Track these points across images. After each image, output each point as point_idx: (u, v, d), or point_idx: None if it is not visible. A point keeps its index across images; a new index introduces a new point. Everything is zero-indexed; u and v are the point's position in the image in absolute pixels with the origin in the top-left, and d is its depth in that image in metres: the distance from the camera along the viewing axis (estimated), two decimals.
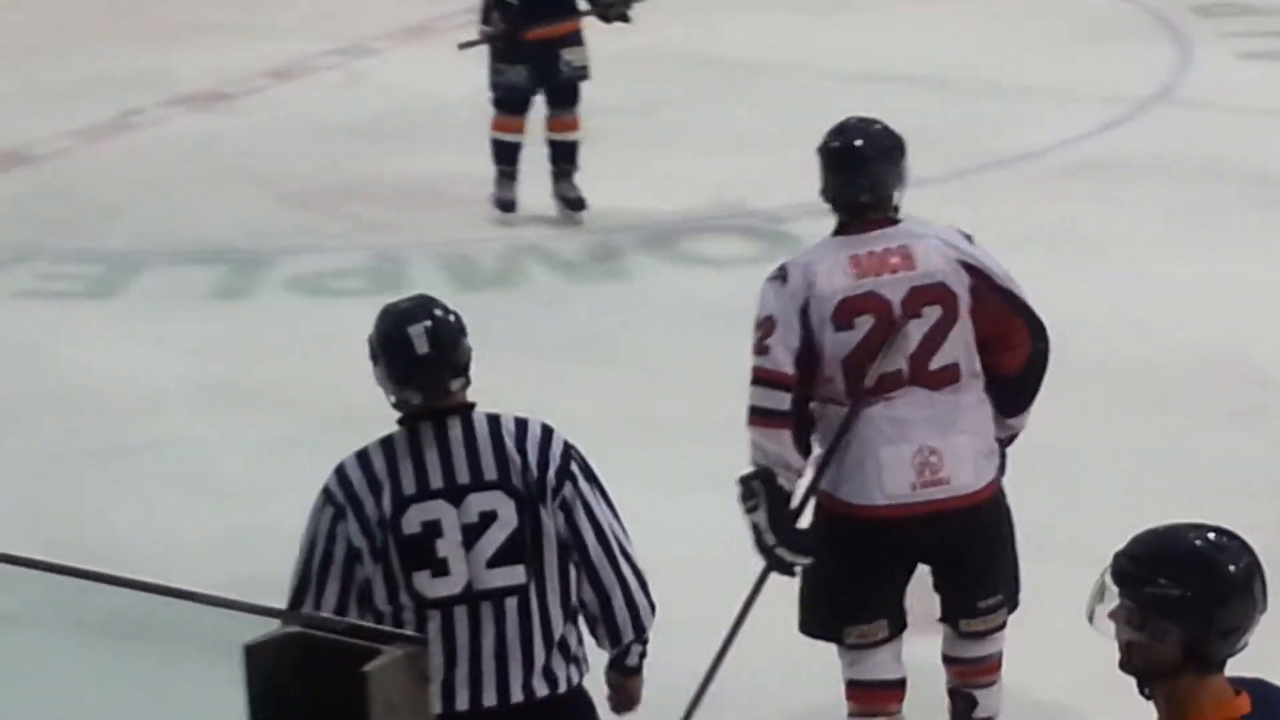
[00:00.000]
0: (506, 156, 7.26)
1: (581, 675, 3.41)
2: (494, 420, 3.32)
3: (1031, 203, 6.98)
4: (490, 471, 3.31)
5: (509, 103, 7.19)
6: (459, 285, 6.34)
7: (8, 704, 4.16)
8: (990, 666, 3.98)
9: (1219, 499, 4.30)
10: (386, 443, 3.30)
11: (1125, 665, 2.42)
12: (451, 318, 3.36)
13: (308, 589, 3.31)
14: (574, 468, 3.34)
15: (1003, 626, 3.93)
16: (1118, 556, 2.39)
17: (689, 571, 4.37)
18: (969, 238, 4.06)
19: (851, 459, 4.08)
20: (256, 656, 1.46)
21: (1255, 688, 2.39)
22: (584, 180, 6.99)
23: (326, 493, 3.29)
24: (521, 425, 3.34)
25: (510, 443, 3.32)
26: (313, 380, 5.58)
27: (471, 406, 3.34)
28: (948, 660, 4.00)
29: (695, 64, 8.58)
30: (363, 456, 3.29)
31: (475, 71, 7.15)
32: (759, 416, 4.14)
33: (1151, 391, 5.49)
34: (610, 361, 5.85)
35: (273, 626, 1.50)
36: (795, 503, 4.08)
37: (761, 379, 4.11)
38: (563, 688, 3.33)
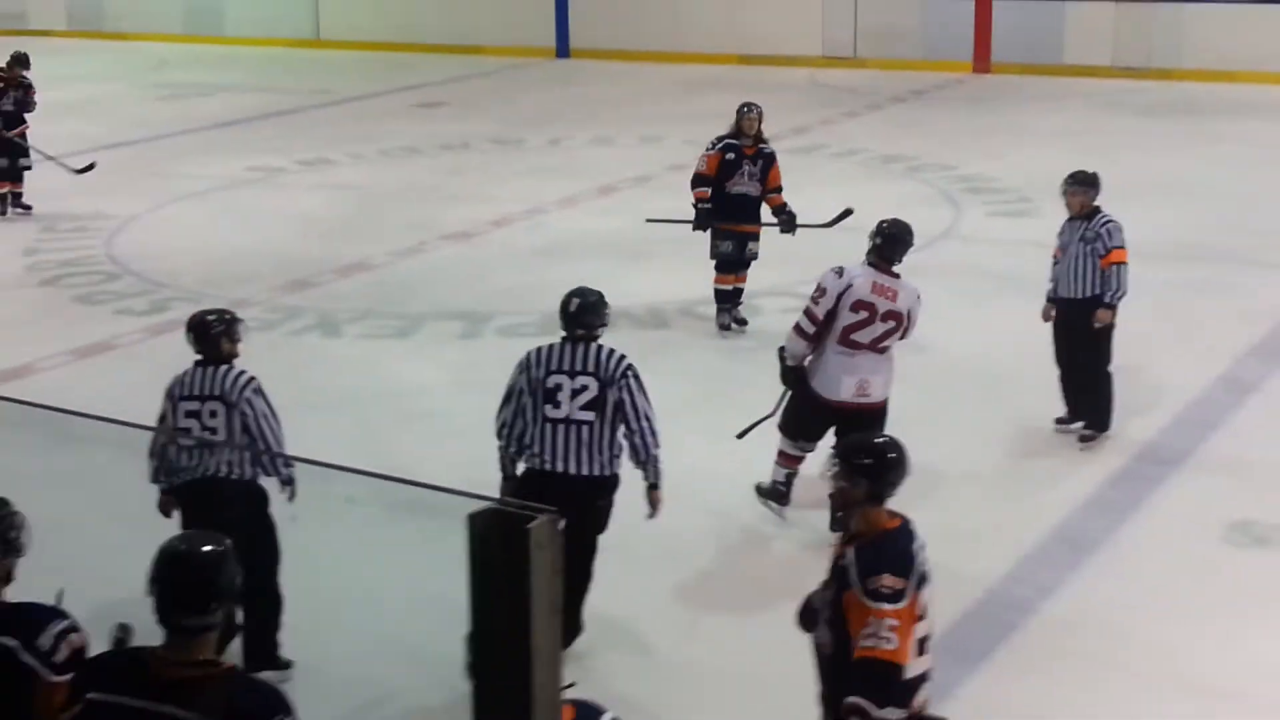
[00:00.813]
0: (724, 299, 10.43)
1: (615, 470, 6.01)
2: (600, 346, 6.08)
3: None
4: (589, 366, 6.02)
5: (725, 264, 10.33)
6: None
7: (345, 553, 6.54)
8: None
9: None
10: (551, 345, 6.08)
11: (835, 500, 4.37)
12: (593, 298, 6.17)
13: (504, 403, 6.06)
14: (630, 375, 6.02)
15: None
16: (838, 447, 4.61)
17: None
18: (920, 298, 7.10)
19: (829, 373, 7.02)
20: (474, 522, 2.68)
21: (902, 518, 4.31)
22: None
23: (522, 360, 6.08)
24: (610, 351, 6.08)
25: (602, 356, 6.05)
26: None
27: (596, 336, 6.10)
28: None
29: None
30: (539, 349, 6.08)
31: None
32: (798, 330, 7.10)
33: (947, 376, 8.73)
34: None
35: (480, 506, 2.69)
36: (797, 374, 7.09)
37: (807, 314, 7.07)
38: (605, 472, 6.02)
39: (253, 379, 6.05)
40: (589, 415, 6.00)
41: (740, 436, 7.62)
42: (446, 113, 20.54)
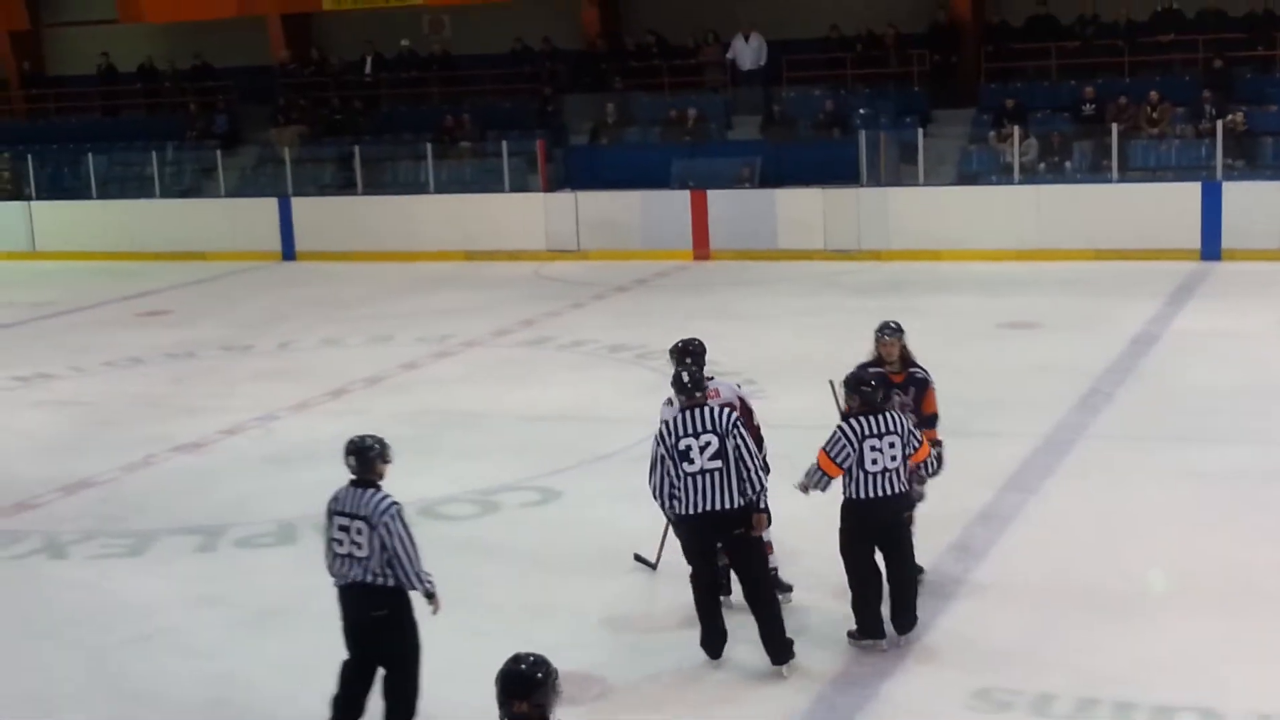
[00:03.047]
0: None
1: (748, 502, 7.74)
2: (712, 407, 7.79)
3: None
4: (710, 425, 7.75)
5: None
6: None
7: None
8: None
9: None
10: (676, 417, 7.81)
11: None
12: (698, 374, 8.00)
13: (651, 467, 7.83)
14: (738, 426, 7.77)
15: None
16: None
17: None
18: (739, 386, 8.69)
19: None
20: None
21: None
22: None
23: (660, 428, 7.87)
24: (720, 409, 7.81)
25: (716, 414, 7.77)
26: None
27: (705, 400, 7.85)
28: None
29: None
30: (670, 419, 7.84)
31: None
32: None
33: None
34: None
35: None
36: None
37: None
38: (737, 505, 7.76)
39: (394, 504, 7.01)
40: (717, 464, 7.77)
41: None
42: (170, 320, 20.27)
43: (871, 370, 8.64)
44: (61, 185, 28.47)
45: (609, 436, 12.83)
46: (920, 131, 23.31)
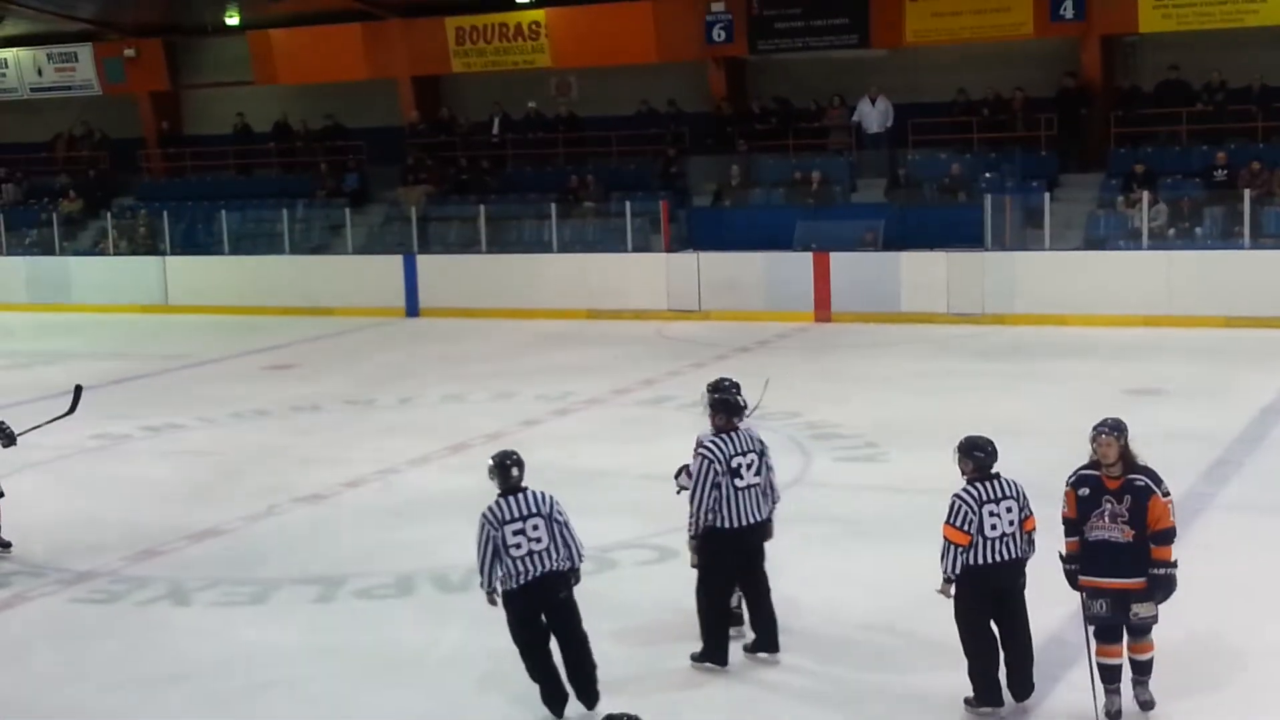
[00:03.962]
0: (1109, 676, 7.93)
1: (772, 511, 8.86)
2: (749, 430, 8.72)
3: None
4: (751, 445, 8.70)
5: (1103, 632, 7.86)
6: None
7: None
8: None
9: None
10: (722, 437, 8.65)
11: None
12: (733, 399, 8.75)
13: (704, 491, 8.57)
14: (767, 450, 8.81)
15: None
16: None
17: None
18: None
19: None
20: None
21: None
22: None
23: (704, 450, 8.63)
24: (755, 434, 8.80)
25: (754, 436, 8.76)
26: None
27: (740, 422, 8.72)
28: None
29: None
30: (715, 440, 8.62)
31: None
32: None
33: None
34: None
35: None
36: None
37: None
38: (768, 515, 8.81)
39: (553, 496, 8.31)
40: (758, 479, 8.73)
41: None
42: (296, 374, 20.60)
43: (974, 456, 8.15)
44: (195, 241, 29.15)
45: None
46: (1047, 195, 23.10)
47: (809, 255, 23.59)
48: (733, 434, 8.69)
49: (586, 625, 8.37)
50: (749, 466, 8.66)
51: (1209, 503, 12.23)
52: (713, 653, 8.80)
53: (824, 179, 25.63)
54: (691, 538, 8.78)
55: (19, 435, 11.70)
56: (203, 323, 26.20)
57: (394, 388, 18.98)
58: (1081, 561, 7.82)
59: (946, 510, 8.05)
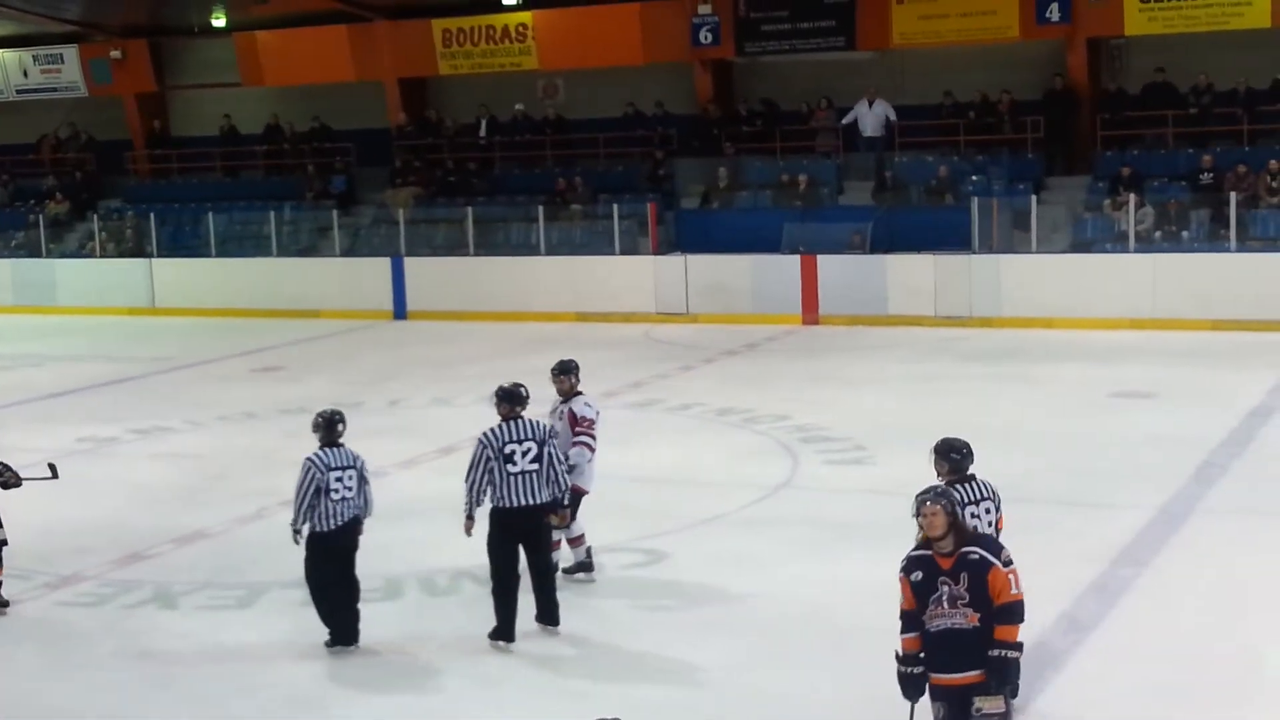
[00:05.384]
0: None
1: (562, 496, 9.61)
2: (534, 420, 9.54)
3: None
4: (531, 434, 9.38)
5: None
6: None
7: None
8: None
9: None
10: (500, 427, 9.42)
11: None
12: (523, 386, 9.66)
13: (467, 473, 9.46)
14: (550, 440, 9.55)
15: None
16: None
17: None
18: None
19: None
20: None
21: None
22: None
23: (481, 437, 9.41)
24: (541, 423, 9.59)
25: (539, 425, 9.60)
26: None
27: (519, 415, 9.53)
28: None
29: None
30: (493, 428, 9.42)
31: None
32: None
33: None
34: None
35: None
36: None
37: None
38: (546, 499, 9.52)
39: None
40: (537, 466, 9.37)
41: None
42: (284, 376, 20.58)
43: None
44: (182, 243, 29.11)
45: (714, 500, 12.80)
46: (1034, 198, 23.15)
47: (797, 258, 23.62)
48: (514, 423, 9.44)
49: (573, 627, 8.31)
50: (525, 454, 9.36)
51: (1195, 506, 12.26)
52: (499, 629, 9.39)
53: (811, 181, 25.65)
54: (467, 516, 9.56)
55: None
56: (189, 325, 26.16)
57: (382, 390, 18.97)
58: (928, 658, 6.61)
59: None
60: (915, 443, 10.79)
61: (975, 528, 7.74)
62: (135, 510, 13.37)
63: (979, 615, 6.47)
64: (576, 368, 10.84)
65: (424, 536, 11.79)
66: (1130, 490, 12.71)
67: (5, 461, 10.60)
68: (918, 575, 6.60)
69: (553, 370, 10.73)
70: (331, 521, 9.26)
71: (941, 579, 6.54)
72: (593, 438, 10.55)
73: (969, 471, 8.05)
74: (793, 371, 19.30)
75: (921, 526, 6.63)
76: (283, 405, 18.16)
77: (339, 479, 9.25)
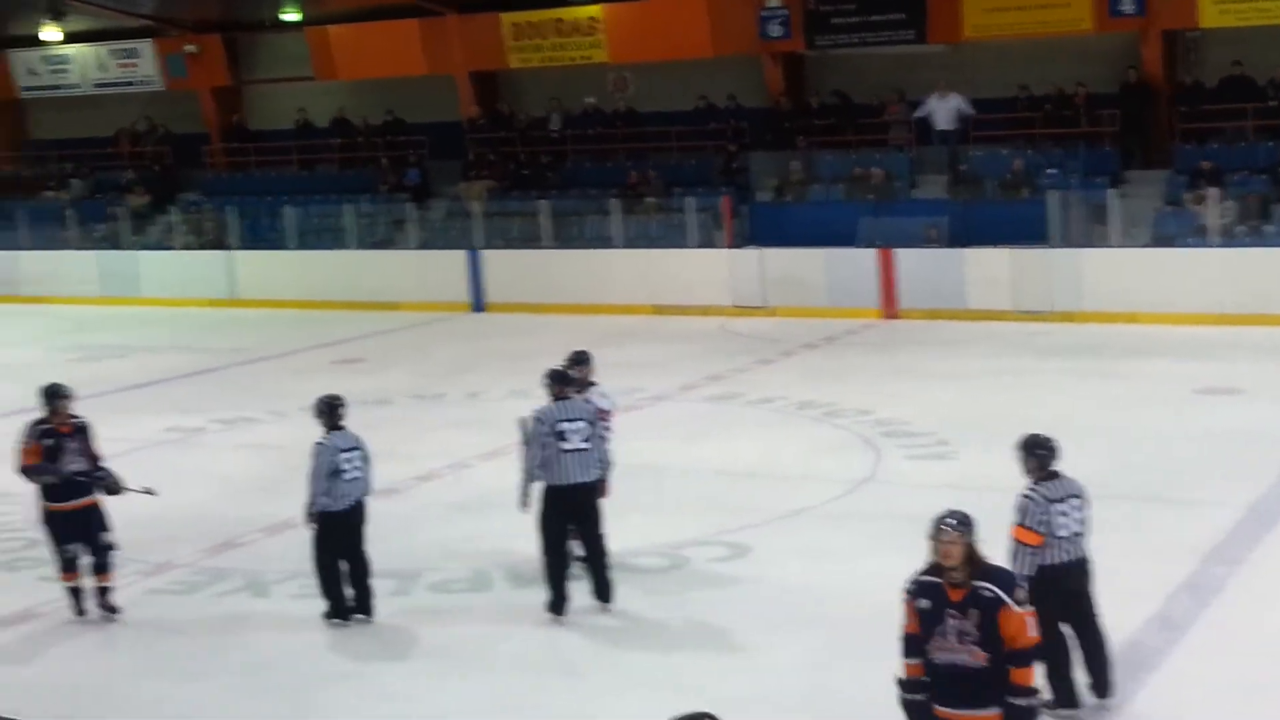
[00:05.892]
0: None
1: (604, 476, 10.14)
2: (586, 399, 10.25)
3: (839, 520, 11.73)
4: (582, 414, 9.92)
5: None
6: None
7: None
8: None
9: None
10: (553, 406, 10.03)
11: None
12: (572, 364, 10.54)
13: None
14: (599, 420, 10.16)
15: None
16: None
17: None
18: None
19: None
20: None
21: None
22: None
23: (535, 413, 9.99)
24: (591, 405, 10.24)
25: (589, 407, 10.10)
26: None
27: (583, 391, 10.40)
28: None
29: None
30: (545, 407, 10.02)
31: None
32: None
33: None
34: None
35: None
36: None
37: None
38: (596, 478, 10.17)
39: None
40: (588, 445, 9.77)
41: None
42: (365, 368, 20.74)
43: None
44: (261, 236, 29.35)
45: (797, 494, 12.80)
46: (1112, 191, 22.93)
47: (873, 252, 23.52)
48: (565, 402, 9.83)
49: (659, 620, 8.31)
50: (576, 432, 9.72)
51: None
52: (554, 602, 9.78)
53: (885, 175, 25.54)
54: (524, 492, 9.97)
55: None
56: (270, 316, 26.40)
57: (461, 382, 19.08)
58: (933, 688, 6.26)
59: (1015, 511, 7.94)
60: (998, 438, 10.79)
61: (1064, 526, 7.70)
62: (224, 500, 13.55)
63: (988, 655, 6.10)
64: (590, 358, 11.02)
65: (508, 528, 11.82)
66: (1218, 487, 12.57)
67: (107, 466, 10.69)
68: (925, 603, 6.25)
69: (568, 360, 10.81)
70: (344, 501, 9.86)
71: (949, 611, 6.16)
72: (608, 429, 10.58)
73: (1054, 468, 7.98)
74: (873, 365, 19.23)
75: (934, 551, 6.27)
76: (364, 396, 18.23)
77: (349, 460, 9.86)
